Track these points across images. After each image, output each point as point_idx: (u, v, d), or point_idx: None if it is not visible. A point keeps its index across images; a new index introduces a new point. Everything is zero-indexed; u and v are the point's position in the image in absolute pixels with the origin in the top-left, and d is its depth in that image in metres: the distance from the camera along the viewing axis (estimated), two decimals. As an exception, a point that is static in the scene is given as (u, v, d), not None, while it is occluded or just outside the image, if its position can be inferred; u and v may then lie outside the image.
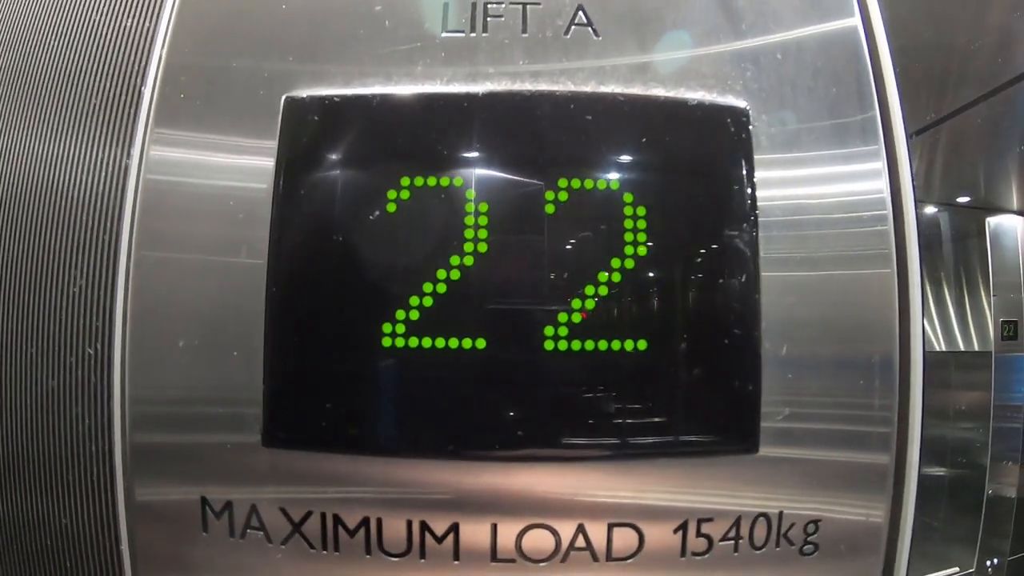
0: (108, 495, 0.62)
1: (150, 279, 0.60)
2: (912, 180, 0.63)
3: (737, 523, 0.59)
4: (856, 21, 0.64)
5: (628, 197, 0.58)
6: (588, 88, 0.60)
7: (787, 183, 0.61)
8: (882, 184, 0.62)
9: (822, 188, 0.61)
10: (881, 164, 0.62)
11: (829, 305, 0.60)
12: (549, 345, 0.57)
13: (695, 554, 0.59)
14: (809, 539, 0.61)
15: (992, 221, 2.73)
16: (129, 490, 0.60)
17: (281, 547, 0.60)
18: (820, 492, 0.61)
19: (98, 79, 0.66)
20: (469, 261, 0.58)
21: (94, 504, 0.63)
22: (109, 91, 0.66)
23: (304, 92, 0.61)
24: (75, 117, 0.67)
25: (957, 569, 2.50)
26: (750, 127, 0.60)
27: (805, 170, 0.61)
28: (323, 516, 0.59)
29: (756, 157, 0.60)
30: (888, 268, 0.61)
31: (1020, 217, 2.76)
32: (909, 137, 0.64)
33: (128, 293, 0.60)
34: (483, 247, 0.58)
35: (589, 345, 0.57)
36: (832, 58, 0.63)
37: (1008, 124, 2.06)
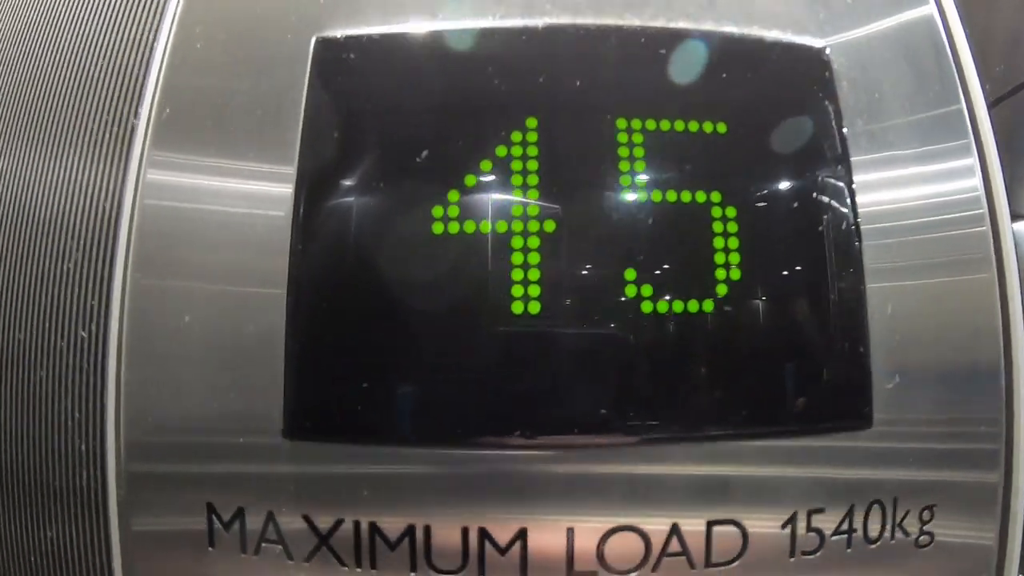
0: (99, 502, 0.50)
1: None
2: (1004, 177, 0.58)
3: (850, 513, 0.51)
4: (932, 9, 0.60)
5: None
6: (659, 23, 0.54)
7: (877, 186, 0.54)
8: (976, 182, 0.56)
9: (914, 190, 0.55)
10: (973, 160, 0.57)
11: (930, 315, 0.53)
12: (624, 313, 0.49)
13: (805, 553, 0.50)
14: (925, 528, 0.52)
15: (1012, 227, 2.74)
16: (123, 498, 0.48)
17: (304, 564, 0.48)
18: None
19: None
20: (533, 211, 0.50)
21: (83, 514, 0.51)
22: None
23: (338, 32, 0.53)
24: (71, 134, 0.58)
25: None
26: (833, 67, 0.55)
27: (895, 171, 0.55)
28: (356, 525, 0.48)
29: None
30: (988, 273, 0.55)
31: (1039, 224, 2.77)
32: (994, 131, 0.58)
33: (126, 277, 0.51)
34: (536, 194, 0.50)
35: (678, 307, 0.49)
36: (913, 49, 0.58)
37: (1024, 128, 2.02)
